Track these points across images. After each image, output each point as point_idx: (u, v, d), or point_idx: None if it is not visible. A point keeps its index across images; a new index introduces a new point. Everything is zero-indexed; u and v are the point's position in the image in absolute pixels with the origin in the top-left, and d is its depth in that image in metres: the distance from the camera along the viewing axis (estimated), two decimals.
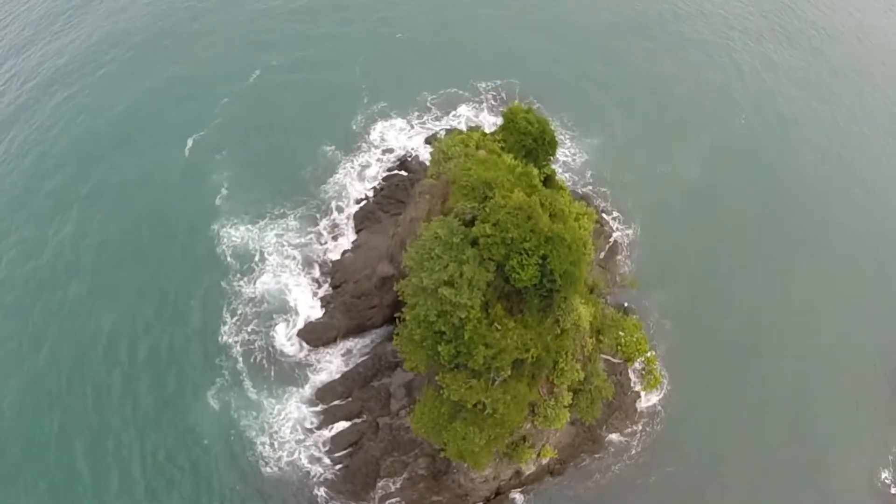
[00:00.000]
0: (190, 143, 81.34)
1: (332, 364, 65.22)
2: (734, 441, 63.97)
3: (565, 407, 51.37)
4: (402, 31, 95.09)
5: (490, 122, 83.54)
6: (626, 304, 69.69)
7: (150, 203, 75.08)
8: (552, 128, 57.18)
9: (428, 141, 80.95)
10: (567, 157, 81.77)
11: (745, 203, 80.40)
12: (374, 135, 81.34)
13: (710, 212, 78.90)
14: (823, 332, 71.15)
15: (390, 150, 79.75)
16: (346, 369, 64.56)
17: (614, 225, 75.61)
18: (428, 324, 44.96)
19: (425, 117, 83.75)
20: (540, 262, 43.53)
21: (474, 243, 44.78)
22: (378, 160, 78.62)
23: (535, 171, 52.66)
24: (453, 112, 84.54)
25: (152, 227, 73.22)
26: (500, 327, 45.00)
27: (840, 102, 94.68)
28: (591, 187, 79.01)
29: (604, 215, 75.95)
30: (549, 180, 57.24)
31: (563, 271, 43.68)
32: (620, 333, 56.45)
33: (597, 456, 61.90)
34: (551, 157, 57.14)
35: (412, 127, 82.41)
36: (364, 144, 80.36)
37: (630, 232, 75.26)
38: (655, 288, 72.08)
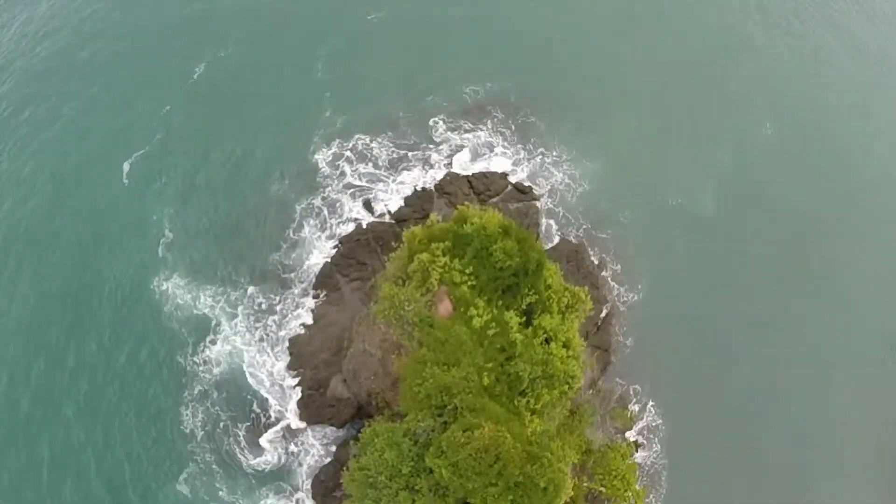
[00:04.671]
0: (127, 167, 70.29)
1: (299, 460, 58.95)
2: None
3: None
4: (375, 10, 79.62)
5: (475, 145, 71.87)
6: (620, 387, 62.56)
7: (83, 254, 65.20)
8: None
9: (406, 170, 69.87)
10: (564, 187, 70.71)
11: (765, 246, 70.00)
12: (335, 167, 69.54)
13: (724, 260, 68.93)
14: (835, 410, 64.46)
15: (352, 188, 68.55)
16: (313, 469, 58.88)
17: (611, 284, 66.22)
18: None
19: (394, 144, 71.23)
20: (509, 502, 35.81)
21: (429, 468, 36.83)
22: (339, 205, 67.74)
23: (514, 320, 43.61)
24: (428, 134, 71.92)
25: (88, 286, 63.89)
26: None
27: (888, 104, 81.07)
28: (587, 229, 68.60)
29: (599, 267, 66.54)
30: (535, 303, 47.68)
31: None
32: (607, 470, 49.56)
33: None
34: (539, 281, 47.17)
35: (380, 157, 70.37)
36: (323, 179, 68.95)
37: (631, 295, 65.91)
38: (654, 353, 64.47)
